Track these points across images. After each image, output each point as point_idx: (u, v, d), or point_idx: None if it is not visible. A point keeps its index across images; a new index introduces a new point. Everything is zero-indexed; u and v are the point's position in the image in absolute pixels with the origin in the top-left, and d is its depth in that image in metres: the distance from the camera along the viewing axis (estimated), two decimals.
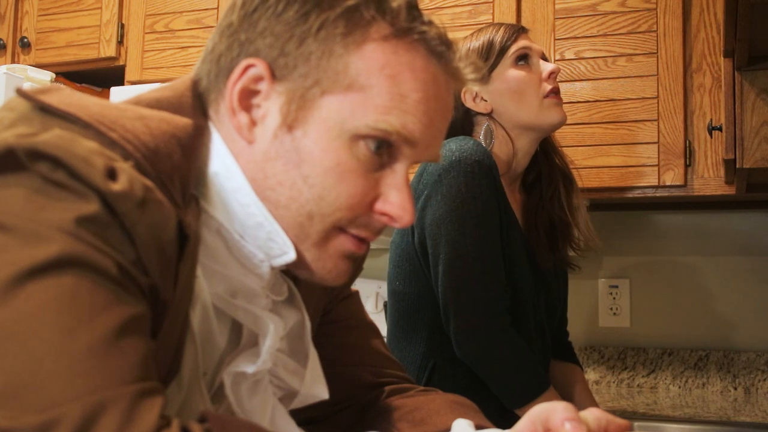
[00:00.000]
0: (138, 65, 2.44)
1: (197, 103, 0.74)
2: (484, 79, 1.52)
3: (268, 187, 0.72)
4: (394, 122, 0.70)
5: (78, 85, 2.48)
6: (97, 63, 2.51)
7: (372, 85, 0.70)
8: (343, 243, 0.74)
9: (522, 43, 1.54)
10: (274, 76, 0.71)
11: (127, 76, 2.45)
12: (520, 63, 1.53)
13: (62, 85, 2.16)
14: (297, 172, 0.71)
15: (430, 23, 0.73)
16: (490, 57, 1.53)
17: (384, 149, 0.72)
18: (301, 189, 0.71)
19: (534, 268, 1.54)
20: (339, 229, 0.73)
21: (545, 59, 1.57)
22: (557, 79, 1.56)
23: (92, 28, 2.50)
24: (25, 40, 2.56)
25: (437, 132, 0.75)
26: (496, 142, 1.53)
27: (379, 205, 0.73)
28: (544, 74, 1.52)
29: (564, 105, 1.58)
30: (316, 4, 0.71)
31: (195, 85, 0.76)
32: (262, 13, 0.72)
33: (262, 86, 0.72)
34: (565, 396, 1.62)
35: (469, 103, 1.55)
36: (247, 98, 0.72)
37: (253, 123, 0.72)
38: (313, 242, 0.73)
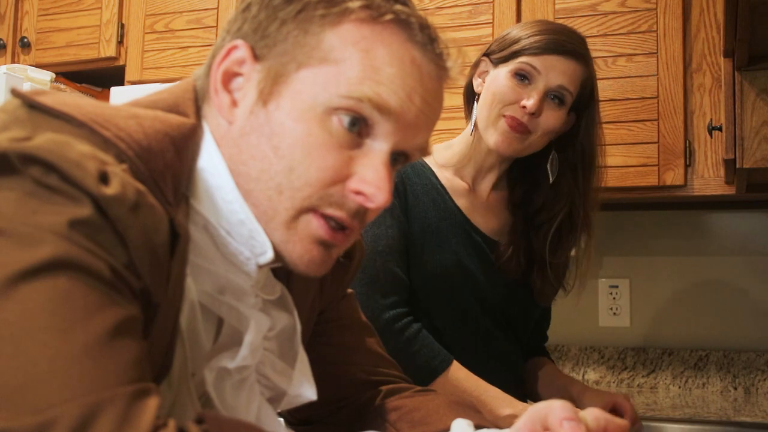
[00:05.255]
0: (138, 65, 2.44)
1: (193, 104, 0.74)
2: (468, 71, 1.47)
3: (241, 161, 0.72)
4: (366, 91, 0.69)
5: (78, 85, 2.48)
6: (97, 63, 2.51)
7: (345, 59, 0.70)
8: (315, 227, 0.72)
9: (536, 62, 1.40)
10: (255, 58, 0.72)
11: (127, 76, 2.45)
12: (516, 76, 1.41)
13: (62, 85, 2.13)
14: (268, 144, 0.71)
15: (411, 12, 0.73)
16: (505, 49, 1.43)
17: (361, 127, 0.71)
18: (272, 160, 0.70)
19: (491, 272, 1.48)
20: (311, 210, 0.71)
21: (559, 96, 1.42)
22: (531, 117, 1.40)
23: (92, 28, 2.50)
24: (25, 40, 2.56)
25: (419, 113, 0.73)
26: (475, 128, 1.46)
27: (352, 183, 0.71)
28: (522, 102, 1.39)
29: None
30: None
31: (194, 86, 0.76)
32: (255, 3, 0.74)
33: (245, 69, 0.73)
34: (533, 381, 1.60)
35: (475, 76, 1.49)
36: (230, 80, 0.73)
37: (234, 103, 0.73)
38: (282, 220, 0.71)
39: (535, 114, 1.40)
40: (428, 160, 1.49)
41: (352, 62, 0.70)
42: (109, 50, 2.47)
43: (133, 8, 2.47)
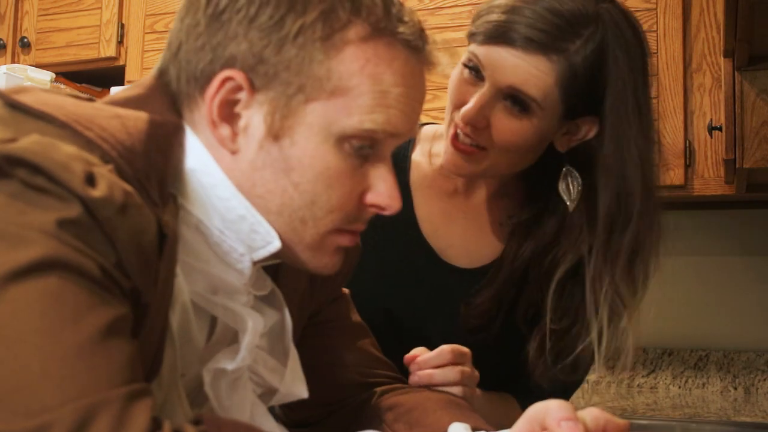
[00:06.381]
0: (138, 65, 2.44)
1: (167, 100, 0.73)
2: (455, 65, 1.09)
3: (257, 195, 0.72)
4: (378, 120, 0.71)
5: (78, 85, 2.48)
6: (97, 63, 2.51)
7: (354, 86, 0.70)
8: (339, 240, 0.75)
9: (480, 53, 1.01)
10: (253, 86, 0.70)
11: (127, 77, 2.45)
12: (467, 69, 1.03)
13: (62, 85, 2.11)
14: (287, 180, 0.71)
15: (406, 18, 0.73)
16: (471, 24, 1.06)
17: (368, 145, 0.73)
18: (293, 196, 0.71)
19: (438, 307, 1.13)
20: (335, 230, 0.74)
21: (517, 99, 0.99)
22: (474, 129, 1.01)
23: (92, 28, 2.50)
24: (25, 40, 2.56)
25: (416, 116, 0.76)
26: None
27: (369, 198, 0.74)
28: (461, 110, 1.01)
29: None
30: (290, 8, 0.69)
31: (162, 82, 0.74)
32: (232, 16, 0.70)
33: (242, 95, 0.70)
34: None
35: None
36: (227, 108, 0.71)
37: (236, 134, 0.71)
38: (307, 245, 0.74)
39: (477, 126, 1.01)
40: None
41: (361, 90, 0.70)
42: (109, 50, 2.47)
43: (133, 8, 2.47)
